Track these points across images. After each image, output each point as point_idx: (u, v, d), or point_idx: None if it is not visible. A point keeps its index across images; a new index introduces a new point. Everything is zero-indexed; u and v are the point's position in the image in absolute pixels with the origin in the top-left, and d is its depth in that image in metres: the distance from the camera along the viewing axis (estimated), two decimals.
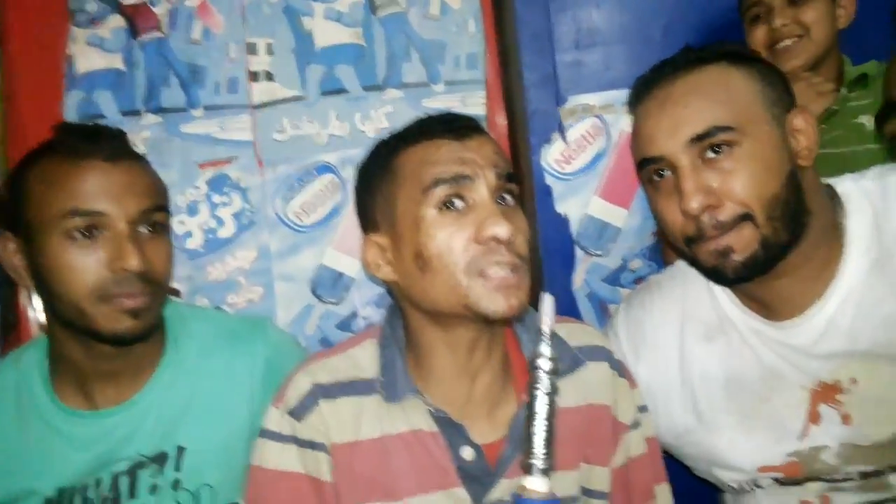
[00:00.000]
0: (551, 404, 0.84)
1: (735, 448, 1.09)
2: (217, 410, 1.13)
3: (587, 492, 1.02)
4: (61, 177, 1.04)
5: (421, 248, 0.94)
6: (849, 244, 1.03)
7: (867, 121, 1.40)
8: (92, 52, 1.59)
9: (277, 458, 0.99)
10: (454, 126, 0.99)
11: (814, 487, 1.06)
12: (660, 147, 1.00)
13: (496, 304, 0.92)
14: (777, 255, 1.00)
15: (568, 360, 1.02)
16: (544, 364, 0.84)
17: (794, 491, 1.07)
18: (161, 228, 1.10)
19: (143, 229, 1.07)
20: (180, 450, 1.11)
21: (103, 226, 1.03)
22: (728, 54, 1.03)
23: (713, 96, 0.99)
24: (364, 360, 1.02)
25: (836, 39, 1.47)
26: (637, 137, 1.06)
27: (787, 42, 1.43)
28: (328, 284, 1.60)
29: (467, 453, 0.97)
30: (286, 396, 1.01)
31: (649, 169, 1.03)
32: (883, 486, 1.03)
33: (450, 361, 0.99)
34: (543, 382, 0.84)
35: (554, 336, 0.91)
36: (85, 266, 1.02)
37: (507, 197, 0.98)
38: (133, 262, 1.02)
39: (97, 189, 1.03)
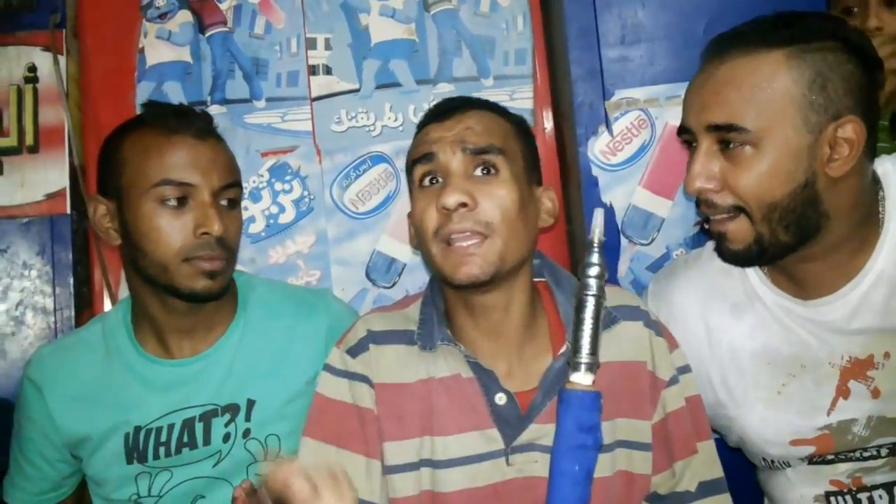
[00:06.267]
0: (598, 307, 0.88)
1: (766, 423, 1.12)
2: (283, 368, 1.23)
3: (629, 444, 1.06)
4: (155, 149, 1.13)
5: (415, 221, 1.09)
6: (886, 226, 1.04)
7: None
8: (161, 45, 1.68)
9: (333, 388, 1.10)
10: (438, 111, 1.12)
11: (844, 468, 1.09)
12: (688, 120, 1.05)
13: (455, 269, 1.02)
14: (778, 253, 1.02)
15: (603, 318, 1.04)
16: (592, 271, 0.89)
17: (824, 471, 1.10)
18: (235, 202, 1.21)
19: (223, 201, 1.16)
20: (250, 402, 1.21)
21: (191, 195, 1.13)
22: (803, 37, 0.98)
23: (746, 94, 0.98)
24: (412, 314, 1.13)
25: None
26: (683, 100, 1.08)
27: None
28: (382, 269, 1.67)
29: (500, 398, 1.05)
30: (347, 338, 1.13)
31: (683, 135, 1.08)
32: None
33: (469, 322, 1.09)
34: (591, 287, 0.88)
35: None
36: (173, 230, 1.12)
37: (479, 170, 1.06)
38: (216, 227, 1.12)
39: (187, 162, 1.13)
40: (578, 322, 0.88)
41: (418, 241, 1.10)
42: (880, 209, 1.06)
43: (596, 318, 0.88)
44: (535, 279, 1.16)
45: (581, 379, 0.87)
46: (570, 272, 1.18)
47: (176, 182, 1.12)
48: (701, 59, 1.08)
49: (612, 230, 1.60)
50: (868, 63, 0.99)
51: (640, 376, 1.09)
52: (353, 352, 1.11)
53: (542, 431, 1.03)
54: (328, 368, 1.12)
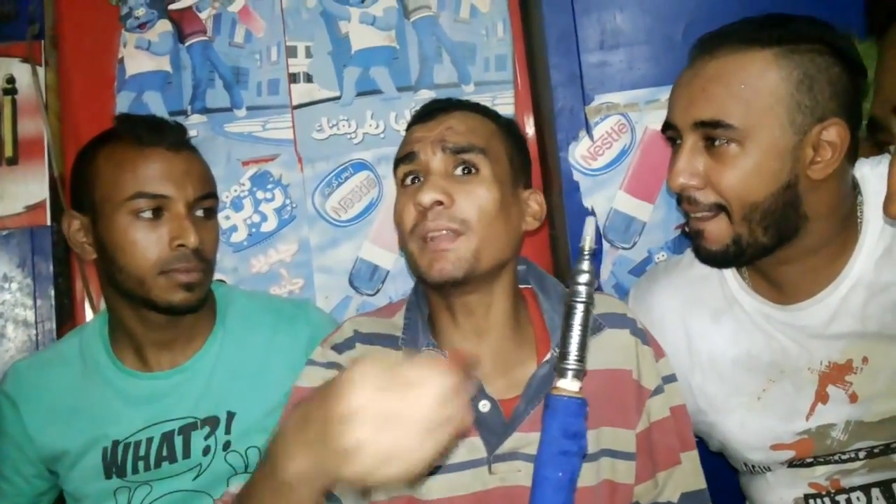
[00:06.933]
0: (587, 313, 0.88)
1: (746, 429, 1.12)
2: (263, 380, 1.22)
3: (613, 453, 1.06)
4: (129, 162, 1.13)
5: (396, 220, 1.10)
6: (864, 230, 1.05)
7: None
8: (141, 55, 1.67)
9: (314, 377, 1.08)
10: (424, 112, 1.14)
11: (822, 470, 1.09)
12: (674, 117, 1.05)
13: (430, 267, 1.02)
14: (755, 255, 1.02)
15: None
16: (582, 278, 0.88)
17: (803, 473, 1.10)
18: (211, 213, 1.21)
19: (198, 212, 1.16)
20: (230, 414, 1.20)
21: (166, 207, 1.13)
22: (792, 39, 0.98)
23: (733, 91, 0.98)
24: (397, 321, 1.13)
25: None
26: (669, 96, 1.08)
27: None
28: (365, 277, 1.67)
29: (483, 405, 1.04)
30: (332, 337, 1.13)
31: (667, 132, 1.08)
32: (890, 465, 1.06)
33: (451, 324, 1.09)
34: (580, 294, 0.87)
35: None
36: (149, 242, 1.12)
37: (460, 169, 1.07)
38: (192, 239, 1.12)
39: (161, 174, 1.13)
40: (567, 328, 0.88)
41: (402, 241, 1.10)
42: (858, 213, 1.06)
43: (584, 325, 0.88)
44: (522, 286, 1.15)
45: (568, 385, 0.87)
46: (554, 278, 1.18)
47: (150, 195, 1.12)
48: (689, 56, 1.08)
49: (594, 235, 1.60)
50: (853, 69, 1.00)
51: (625, 385, 1.08)
52: (339, 348, 1.10)
53: (525, 440, 1.02)
54: (311, 363, 1.11)
